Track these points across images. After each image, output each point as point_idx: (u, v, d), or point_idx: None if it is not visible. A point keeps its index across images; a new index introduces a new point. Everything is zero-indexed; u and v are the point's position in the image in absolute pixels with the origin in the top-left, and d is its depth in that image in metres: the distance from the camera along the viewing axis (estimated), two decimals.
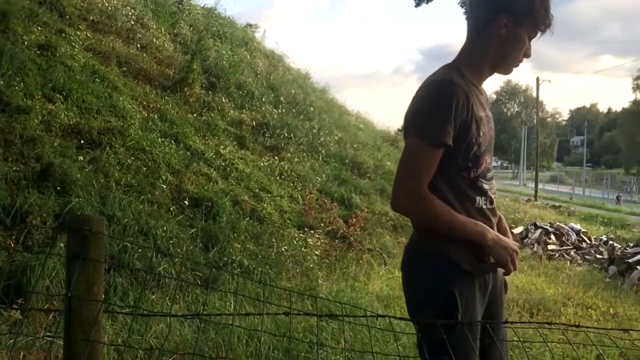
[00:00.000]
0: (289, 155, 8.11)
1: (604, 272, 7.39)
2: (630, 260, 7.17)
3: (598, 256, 8.62)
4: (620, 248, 8.32)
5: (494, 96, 51.72)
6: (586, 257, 8.80)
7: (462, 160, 1.65)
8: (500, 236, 1.71)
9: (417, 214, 1.68)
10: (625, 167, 58.71)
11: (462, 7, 10.83)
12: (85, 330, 1.23)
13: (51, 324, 3.17)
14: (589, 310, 5.21)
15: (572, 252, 9.33)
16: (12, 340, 2.83)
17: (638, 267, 6.83)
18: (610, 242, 9.67)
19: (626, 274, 6.97)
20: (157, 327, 3.25)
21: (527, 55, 1.75)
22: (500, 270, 1.76)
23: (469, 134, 1.63)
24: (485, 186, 1.74)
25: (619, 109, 70.80)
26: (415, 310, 1.70)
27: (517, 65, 1.77)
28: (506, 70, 1.78)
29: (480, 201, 1.71)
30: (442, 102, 1.59)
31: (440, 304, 1.62)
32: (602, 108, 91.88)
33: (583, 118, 77.81)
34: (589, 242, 10.23)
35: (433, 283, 1.65)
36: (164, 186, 5.26)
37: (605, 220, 17.19)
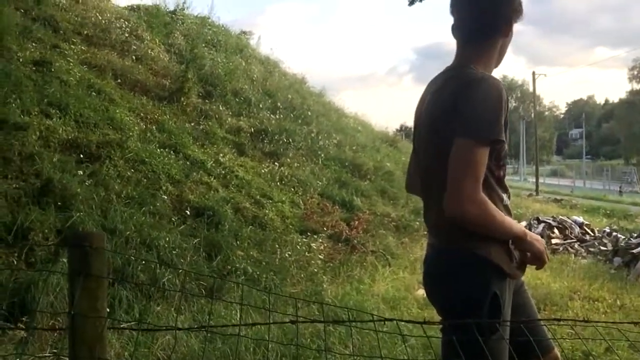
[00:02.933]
0: (289, 160, 8.10)
1: (608, 264, 7.37)
2: (634, 251, 7.15)
3: (602, 248, 8.60)
4: (624, 239, 8.31)
5: None
6: (590, 249, 8.78)
7: (495, 159, 1.65)
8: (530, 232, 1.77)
9: (477, 218, 1.59)
10: (624, 157, 58.70)
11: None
12: (90, 347, 1.22)
13: (57, 340, 3.15)
14: (596, 303, 5.19)
15: (576, 245, 9.31)
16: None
17: None
18: (614, 233, 9.65)
19: (631, 265, 6.95)
20: (164, 339, 3.24)
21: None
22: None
23: (506, 133, 1.64)
24: (506, 183, 1.78)
25: (615, 100, 70.90)
26: (458, 316, 1.64)
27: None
28: (499, 64, 1.85)
29: (506, 198, 1.75)
30: (495, 99, 1.59)
31: (486, 307, 1.62)
32: (599, 100, 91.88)
33: (580, 110, 77.88)
34: (592, 234, 10.21)
35: (477, 286, 1.65)
36: (165, 197, 5.25)
37: (608, 211, 17.16)
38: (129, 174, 5.26)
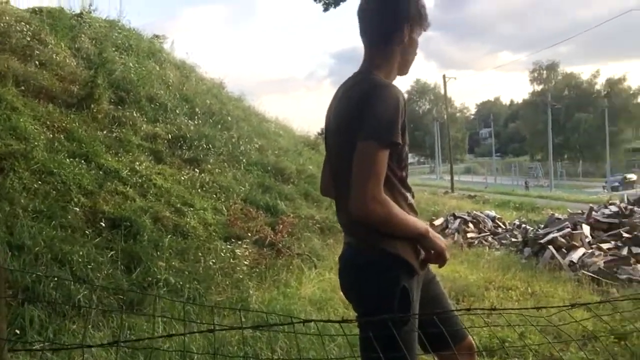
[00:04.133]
0: (209, 166, 7.93)
1: (519, 254, 7.84)
2: (542, 241, 7.65)
3: (513, 240, 9.15)
4: (532, 230, 8.88)
5: (406, 95, 53.32)
6: (503, 241, 9.31)
7: (397, 161, 1.75)
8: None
9: (381, 217, 1.66)
10: (530, 154, 62.85)
11: None
12: None
13: None
14: (510, 291, 5.49)
15: (489, 238, 9.84)
16: None
17: (549, 246, 7.31)
18: (523, 225, 10.30)
19: (539, 254, 7.44)
20: (80, 358, 3.06)
21: (416, 54, 1.94)
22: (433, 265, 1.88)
23: (404, 136, 1.73)
24: (409, 182, 1.87)
25: (520, 101, 75.74)
26: (371, 309, 1.72)
27: (411, 66, 1.95)
28: (406, 72, 1.94)
29: (409, 197, 1.84)
30: (392, 104, 1.68)
31: (396, 300, 1.70)
32: (505, 100, 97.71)
33: (489, 111, 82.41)
34: (504, 227, 10.84)
35: (388, 281, 1.72)
36: (77, 209, 4.97)
37: (517, 205, 18.28)
38: (35, 186, 4.93)
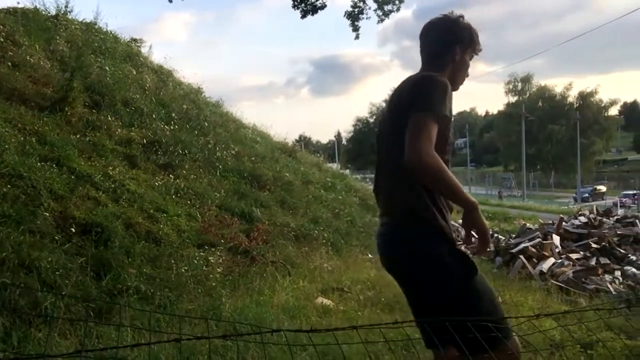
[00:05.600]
0: (185, 172, 7.87)
1: (491, 264, 7.94)
2: (513, 251, 7.78)
3: (472, 252, 9.23)
4: (504, 240, 9.00)
5: (384, 104, 53.85)
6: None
7: (443, 142, 1.92)
8: None
9: (434, 169, 1.78)
10: (504, 164, 63.72)
11: (348, 19, 11.17)
12: None
13: None
14: None
15: (462, 247, 9.91)
16: None
17: (520, 256, 7.43)
18: (495, 235, 10.43)
19: (511, 264, 7.55)
20: None
21: (468, 75, 2.24)
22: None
23: (450, 123, 1.98)
24: None
25: (495, 112, 76.95)
26: (424, 274, 1.93)
27: (462, 83, 2.23)
28: (455, 88, 2.18)
29: None
30: (442, 86, 1.93)
31: (450, 267, 1.93)
32: (481, 111, 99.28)
33: (465, 121, 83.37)
34: (476, 236, 10.92)
35: (437, 251, 1.95)
36: (47, 214, 4.86)
37: (490, 214, 18.49)
38: (4, 190, 4.81)
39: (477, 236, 1.91)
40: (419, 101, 1.89)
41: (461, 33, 2.14)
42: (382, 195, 2.14)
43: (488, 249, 2.11)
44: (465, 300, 1.90)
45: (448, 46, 2.12)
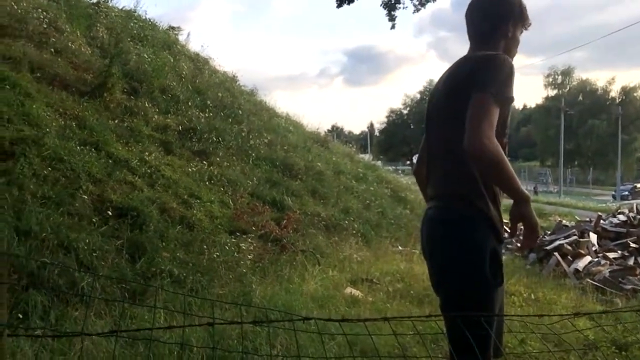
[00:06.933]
0: (218, 159, 7.97)
1: (524, 260, 7.81)
2: (547, 248, 7.62)
3: (519, 245, 9.08)
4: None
5: (418, 95, 53.27)
6: (508, 246, 9.25)
7: (502, 126, 1.85)
8: None
9: (493, 155, 1.71)
10: (540, 159, 62.34)
11: (385, 8, 11.06)
12: None
13: None
14: (512, 297, 5.47)
15: (510, 240, 9.78)
16: None
17: (555, 253, 7.27)
18: None
19: (545, 261, 7.41)
20: (81, 345, 3.09)
21: (517, 52, 2.14)
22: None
23: (511, 106, 1.90)
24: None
25: (533, 105, 75.13)
26: (460, 265, 1.85)
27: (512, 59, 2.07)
28: None
29: None
30: (507, 66, 1.85)
31: (487, 259, 1.83)
32: (518, 104, 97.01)
33: None
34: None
35: (479, 239, 1.86)
36: (85, 197, 5.00)
37: None
38: (45, 172, 4.97)
39: (524, 229, 1.81)
40: (482, 80, 1.80)
41: (511, 7, 2.05)
42: (432, 181, 2.06)
43: (534, 244, 1.95)
44: (479, 303, 1.81)
45: (500, 22, 2.04)
